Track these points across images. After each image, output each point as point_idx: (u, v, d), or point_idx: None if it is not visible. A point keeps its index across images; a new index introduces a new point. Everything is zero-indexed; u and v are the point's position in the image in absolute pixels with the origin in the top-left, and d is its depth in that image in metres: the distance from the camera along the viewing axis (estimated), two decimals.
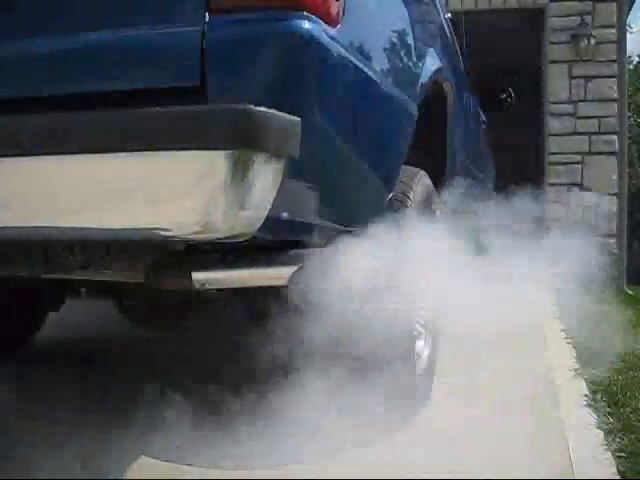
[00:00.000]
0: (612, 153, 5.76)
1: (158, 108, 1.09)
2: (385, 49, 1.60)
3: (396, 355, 1.65)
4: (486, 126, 4.39)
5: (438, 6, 2.57)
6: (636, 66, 10.38)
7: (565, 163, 5.84)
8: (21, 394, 2.05)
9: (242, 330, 2.01)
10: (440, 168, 2.52)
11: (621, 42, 5.80)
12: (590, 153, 5.79)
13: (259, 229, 1.17)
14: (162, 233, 1.13)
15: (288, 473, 1.53)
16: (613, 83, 5.77)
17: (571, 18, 5.81)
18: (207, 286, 1.36)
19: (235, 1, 1.18)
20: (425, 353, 2.07)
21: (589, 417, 1.95)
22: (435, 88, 2.12)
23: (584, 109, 5.80)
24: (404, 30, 1.75)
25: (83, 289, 2.05)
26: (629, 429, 1.79)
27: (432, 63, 2.01)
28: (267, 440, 1.61)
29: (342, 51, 1.29)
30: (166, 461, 1.60)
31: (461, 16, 3.69)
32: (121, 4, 1.24)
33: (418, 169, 1.97)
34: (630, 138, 8.22)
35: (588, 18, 5.77)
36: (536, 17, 6.12)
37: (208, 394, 1.77)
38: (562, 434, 1.81)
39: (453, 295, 1.97)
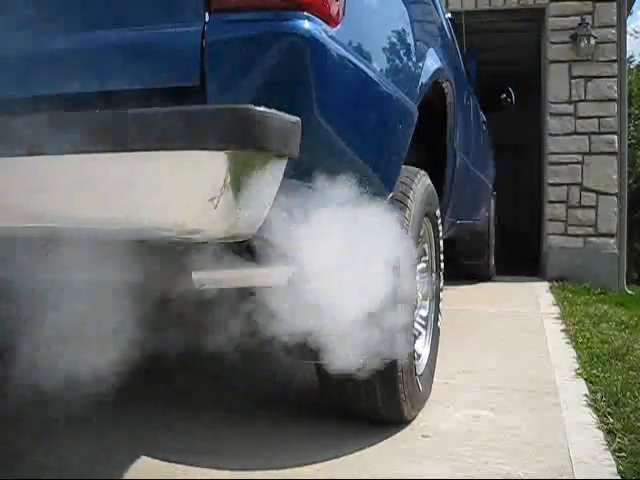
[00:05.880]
0: (612, 153, 5.75)
1: (157, 108, 1.09)
2: (385, 49, 1.59)
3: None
4: (486, 126, 4.39)
5: (438, 6, 2.57)
6: (638, 65, 10.36)
7: (565, 163, 5.83)
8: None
9: None
10: (440, 168, 2.52)
11: (621, 42, 5.79)
12: (590, 153, 5.78)
13: (259, 229, 1.17)
14: (162, 233, 1.13)
15: (288, 473, 1.53)
16: (613, 83, 5.76)
17: (571, 18, 5.80)
18: (207, 286, 1.35)
19: (235, 1, 1.18)
20: (425, 353, 2.07)
21: (589, 417, 1.95)
22: (435, 88, 2.12)
23: (584, 109, 5.79)
24: (404, 30, 1.75)
25: None
26: (629, 429, 1.79)
27: (432, 63, 2.01)
28: None
29: (342, 51, 1.29)
30: (166, 461, 1.61)
31: (461, 16, 3.69)
32: (121, 4, 1.24)
33: (418, 169, 1.97)
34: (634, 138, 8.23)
35: (588, 18, 5.77)
36: (536, 17, 6.11)
37: None
38: (562, 434, 1.81)
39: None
